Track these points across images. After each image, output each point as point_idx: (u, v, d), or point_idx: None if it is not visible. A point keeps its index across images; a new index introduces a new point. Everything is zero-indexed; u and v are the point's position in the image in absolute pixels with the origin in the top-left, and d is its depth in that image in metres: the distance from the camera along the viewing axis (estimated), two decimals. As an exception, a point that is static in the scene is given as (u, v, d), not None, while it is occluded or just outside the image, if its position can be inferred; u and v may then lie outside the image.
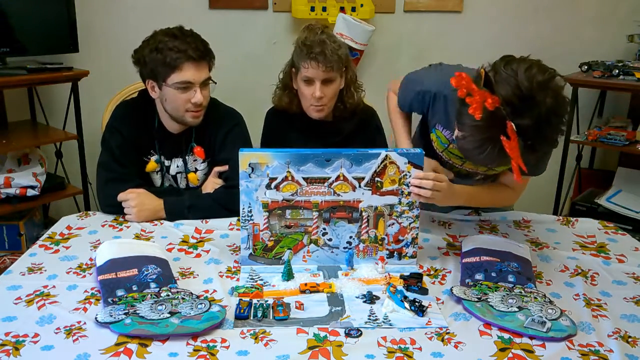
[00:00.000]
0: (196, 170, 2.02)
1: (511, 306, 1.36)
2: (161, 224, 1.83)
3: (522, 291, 1.42)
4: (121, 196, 1.83)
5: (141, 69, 1.88)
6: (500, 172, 1.70)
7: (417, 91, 1.74)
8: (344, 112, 2.07)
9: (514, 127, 1.26)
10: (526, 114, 1.27)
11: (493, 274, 1.49)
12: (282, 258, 1.57)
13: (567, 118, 1.37)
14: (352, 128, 2.10)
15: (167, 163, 2.00)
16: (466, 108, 1.28)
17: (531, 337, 1.27)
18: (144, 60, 1.85)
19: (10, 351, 1.19)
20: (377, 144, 2.09)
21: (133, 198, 1.83)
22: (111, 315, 1.29)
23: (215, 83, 1.91)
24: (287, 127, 2.10)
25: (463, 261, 1.58)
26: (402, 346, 1.24)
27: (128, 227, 1.81)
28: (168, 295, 1.36)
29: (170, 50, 1.79)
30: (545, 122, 1.28)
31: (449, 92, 1.54)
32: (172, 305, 1.32)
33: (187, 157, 2.00)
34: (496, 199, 1.77)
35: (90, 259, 1.59)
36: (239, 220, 1.62)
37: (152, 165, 1.98)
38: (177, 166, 2.01)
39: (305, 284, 1.46)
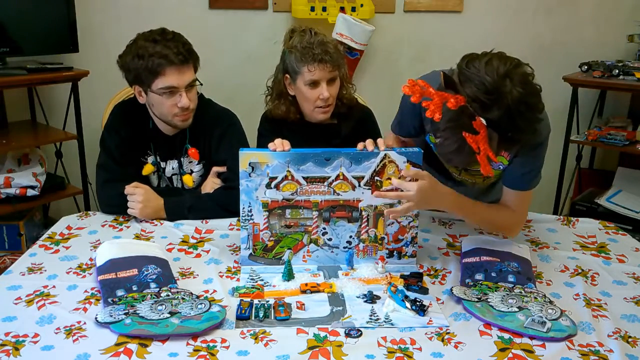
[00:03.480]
0: (191, 171, 2.01)
1: (511, 306, 1.36)
2: (161, 224, 1.83)
3: (522, 291, 1.42)
4: (128, 189, 1.83)
5: (126, 75, 1.87)
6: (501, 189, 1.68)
7: (407, 103, 1.66)
8: (341, 108, 2.06)
9: (484, 121, 1.25)
10: (494, 107, 1.26)
11: (493, 274, 1.49)
12: (282, 258, 1.57)
13: (542, 107, 1.35)
14: (350, 128, 2.10)
15: (162, 164, 2.00)
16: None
17: (531, 337, 1.27)
18: (128, 67, 1.83)
19: (10, 351, 1.19)
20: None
21: (140, 194, 1.83)
22: (111, 315, 1.29)
23: (202, 84, 1.89)
24: (287, 132, 2.07)
25: (463, 261, 1.58)
26: (402, 346, 1.24)
27: (128, 227, 1.81)
28: (168, 295, 1.36)
29: (152, 56, 1.77)
30: (516, 112, 1.27)
31: None
32: (172, 305, 1.32)
33: (182, 159, 2.00)
34: (492, 215, 1.64)
35: (90, 259, 1.59)
36: (239, 220, 1.62)
37: (148, 168, 1.98)
38: (173, 168, 2.01)
39: (306, 284, 1.46)
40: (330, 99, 1.96)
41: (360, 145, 1.54)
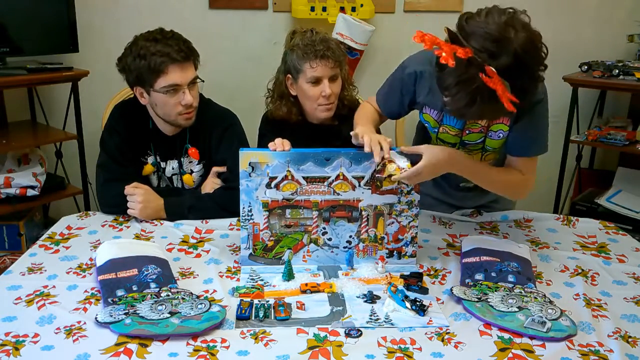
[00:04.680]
0: (192, 171, 2.01)
1: (511, 306, 1.36)
2: (161, 224, 1.83)
3: (522, 291, 1.42)
4: (128, 190, 1.83)
5: (127, 76, 1.86)
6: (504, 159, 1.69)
7: (401, 77, 1.71)
8: (342, 109, 2.06)
9: (494, 69, 1.27)
10: (502, 53, 1.28)
11: (493, 274, 1.49)
12: (282, 258, 1.57)
13: (546, 51, 1.37)
14: (351, 129, 2.09)
15: (162, 164, 2.00)
16: (443, 71, 1.32)
17: (531, 337, 1.27)
18: (129, 68, 1.83)
19: (10, 351, 1.19)
20: None
21: (140, 194, 1.83)
22: (111, 315, 1.29)
23: (203, 81, 1.90)
24: (288, 133, 2.08)
25: (463, 261, 1.58)
26: (402, 346, 1.24)
27: (128, 227, 1.81)
28: (168, 295, 1.36)
29: (154, 55, 1.77)
30: (523, 56, 1.29)
31: (430, 67, 1.52)
32: (172, 305, 1.32)
33: (182, 159, 2.00)
34: (500, 175, 1.64)
35: (90, 259, 1.59)
36: (239, 220, 1.62)
37: (148, 168, 1.98)
38: (173, 168, 2.00)
39: (306, 284, 1.46)
40: (332, 96, 1.96)
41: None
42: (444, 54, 1.26)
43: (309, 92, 1.95)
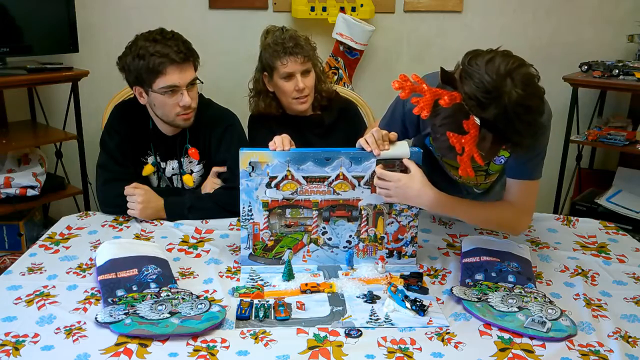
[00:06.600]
0: (192, 171, 2.01)
1: (511, 306, 1.36)
2: (161, 224, 1.83)
3: (522, 291, 1.42)
4: (128, 190, 1.83)
5: (127, 76, 1.86)
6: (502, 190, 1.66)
7: (402, 112, 1.65)
8: (321, 101, 2.14)
9: (478, 121, 1.23)
10: (490, 106, 1.22)
11: (493, 274, 1.49)
12: (282, 258, 1.57)
13: (543, 110, 1.31)
14: (333, 118, 2.15)
15: (163, 165, 2.00)
16: (434, 110, 1.26)
17: (531, 337, 1.27)
18: (128, 68, 1.83)
19: (10, 351, 1.19)
20: (358, 130, 2.08)
21: (140, 194, 1.83)
22: (111, 315, 1.29)
23: (202, 82, 1.90)
24: (274, 126, 2.10)
25: (463, 261, 1.58)
26: (402, 346, 1.24)
27: (128, 227, 1.81)
28: (168, 295, 1.36)
29: (153, 55, 1.77)
30: (513, 114, 1.22)
31: None
32: (172, 305, 1.32)
33: (182, 159, 2.00)
34: (489, 213, 1.61)
35: (90, 259, 1.59)
36: (239, 220, 1.62)
37: (149, 168, 1.98)
38: (173, 168, 2.00)
39: (306, 284, 1.46)
40: (306, 89, 2.04)
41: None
42: (420, 103, 1.23)
43: (284, 87, 2.03)
